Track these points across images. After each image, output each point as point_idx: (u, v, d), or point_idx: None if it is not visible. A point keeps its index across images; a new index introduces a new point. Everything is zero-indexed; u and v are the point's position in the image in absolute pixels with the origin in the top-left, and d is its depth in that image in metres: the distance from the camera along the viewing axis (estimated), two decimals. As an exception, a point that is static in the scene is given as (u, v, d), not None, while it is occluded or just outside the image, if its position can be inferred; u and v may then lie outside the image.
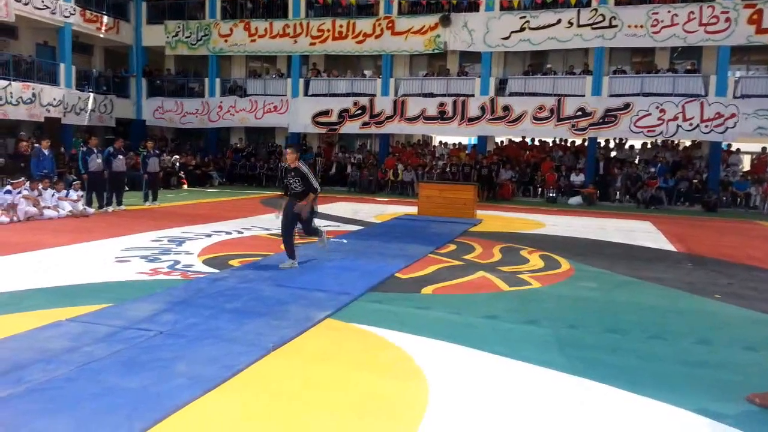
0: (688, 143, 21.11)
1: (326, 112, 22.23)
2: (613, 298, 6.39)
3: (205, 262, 7.41)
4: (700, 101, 18.42)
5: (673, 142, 20.95)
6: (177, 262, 7.34)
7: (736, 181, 19.30)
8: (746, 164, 21.62)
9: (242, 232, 10.05)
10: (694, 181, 19.23)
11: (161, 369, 3.78)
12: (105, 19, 22.54)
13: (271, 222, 11.52)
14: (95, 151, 12.71)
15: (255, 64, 25.70)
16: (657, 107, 18.74)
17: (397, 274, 7.06)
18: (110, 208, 12.63)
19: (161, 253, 7.94)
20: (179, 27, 23.87)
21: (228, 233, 9.88)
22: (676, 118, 18.60)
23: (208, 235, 9.52)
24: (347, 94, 22.33)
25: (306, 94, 22.84)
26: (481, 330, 4.99)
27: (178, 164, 20.88)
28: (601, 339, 4.88)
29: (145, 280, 6.37)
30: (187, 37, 23.85)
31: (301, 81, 22.92)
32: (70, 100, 20.27)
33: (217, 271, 6.92)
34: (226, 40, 23.40)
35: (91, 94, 21.45)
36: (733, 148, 20.58)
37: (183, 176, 20.62)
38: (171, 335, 4.46)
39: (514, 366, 4.17)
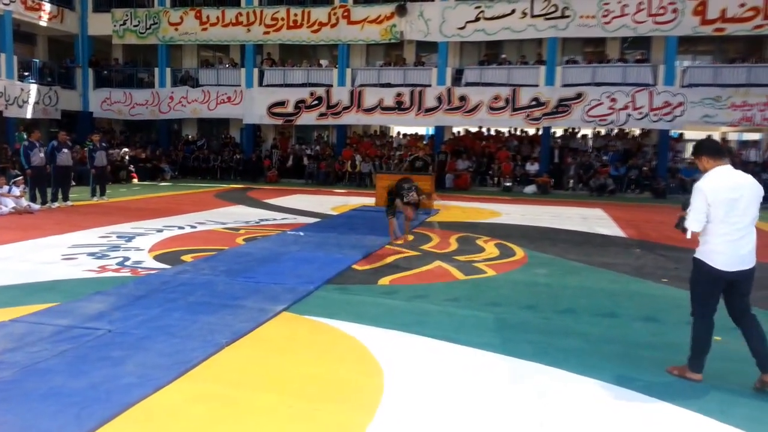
0: (638, 132, 21.72)
1: (282, 103, 21.94)
2: (565, 284, 6.52)
3: (156, 258, 7.22)
4: (650, 90, 18.96)
5: (623, 130, 21.52)
6: (126, 259, 7.13)
7: (683, 168, 19.99)
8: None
9: (196, 227, 9.84)
10: (644, 168, 19.82)
11: (110, 367, 3.67)
12: (48, 6, 21.60)
13: (227, 216, 11.34)
14: (38, 144, 12.22)
15: (207, 53, 25.12)
16: (608, 97, 19.20)
17: (354, 266, 7.03)
18: (56, 204, 12.18)
19: (110, 249, 7.70)
20: (127, 15, 23.10)
21: (180, 228, 9.66)
22: (626, 107, 19.10)
23: (160, 231, 9.28)
24: (303, 85, 22.08)
25: (261, 84, 22.47)
26: (437, 319, 5.03)
27: (127, 158, 20.28)
28: (553, 324, 4.98)
29: (93, 278, 6.16)
30: (135, 26, 23.11)
31: (256, 71, 22.53)
32: (12, 92, 19.40)
33: (168, 266, 6.75)
34: (176, 29, 22.78)
35: (34, 86, 20.58)
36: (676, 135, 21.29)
37: (133, 170, 20.03)
38: (120, 333, 4.33)
39: (468, 353, 4.21)
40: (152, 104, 23.05)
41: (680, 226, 3.87)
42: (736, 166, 3.78)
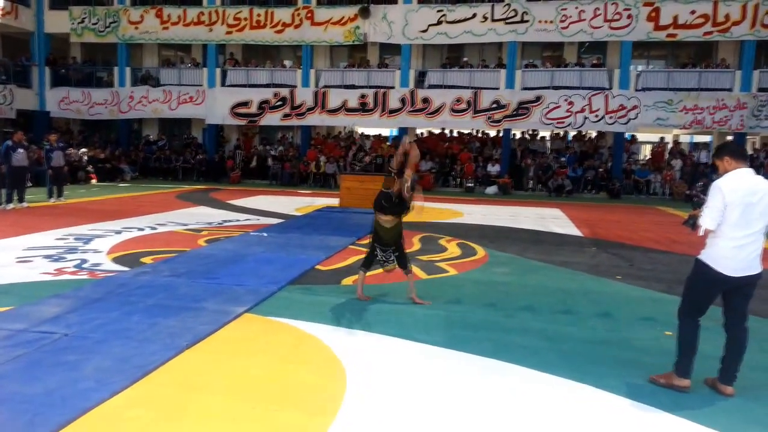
0: (594, 134, 22.30)
1: (245, 104, 21.76)
2: (524, 282, 6.69)
3: (115, 260, 7.10)
4: (605, 94, 19.50)
5: (581, 133, 22.06)
6: (84, 261, 6.99)
7: (637, 169, 20.62)
8: (647, 153, 23.11)
9: (156, 228, 9.69)
10: (600, 170, 20.36)
11: (66, 372, 3.62)
12: (1, 2, 20.91)
13: (188, 217, 11.20)
14: (-9, 144, 11.83)
15: (168, 52, 24.70)
16: (566, 100, 19.66)
17: (317, 266, 7.06)
18: (10, 206, 11.81)
19: (67, 252, 7.53)
20: (85, 13, 22.55)
21: (140, 229, 9.50)
22: (583, 110, 19.60)
23: (119, 232, 9.12)
24: (267, 85, 21.94)
25: (223, 84, 22.24)
26: (399, 318, 5.10)
27: (85, 158, 19.79)
28: (513, 322, 5.11)
29: (50, 281, 6.03)
30: (94, 24, 22.58)
31: (218, 71, 22.28)
32: (-38, 90, 18.71)
33: (127, 269, 6.65)
34: (136, 28, 22.35)
35: (-14, 84, 19.90)
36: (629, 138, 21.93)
37: (91, 171, 19.55)
38: (77, 337, 4.26)
39: (430, 351, 4.30)
40: (112, 104, 22.57)
41: (689, 223, 3.80)
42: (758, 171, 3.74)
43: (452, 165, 21.37)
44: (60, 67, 23.44)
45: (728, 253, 3.54)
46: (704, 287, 3.67)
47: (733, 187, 3.52)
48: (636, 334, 4.86)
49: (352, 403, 3.39)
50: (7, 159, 11.81)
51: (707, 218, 3.58)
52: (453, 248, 8.67)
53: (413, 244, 8.92)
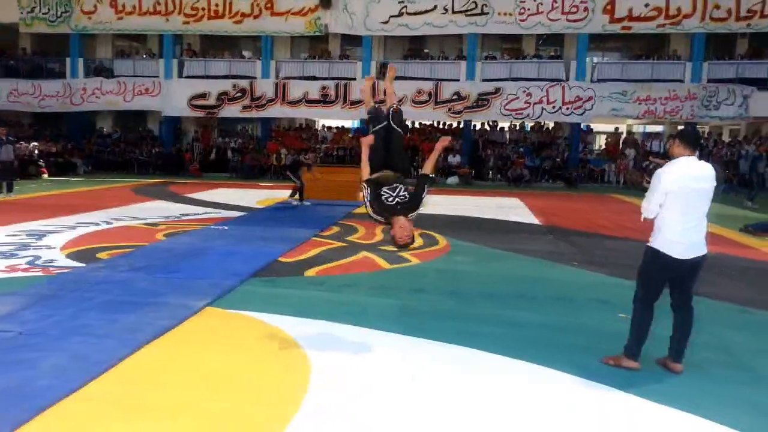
0: (551, 125, 22.73)
1: (203, 95, 21.35)
2: (485, 270, 6.82)
3: (70, 256, 6.92)
4: (562, 85, 19.88)
5: (539, 123, 22.46)
6: (37, 258, 6.79)
7: (592, 158, 21.15)
8: (601, 143, 23.71)
9: (112, 223, 9.47)
10: (557, 159, 20.80)
11: (23, 370, 3.54)
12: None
13: (146, 211, 10.98)
14: (-66, 138, 11.33)
15: (123, 43, 24.02)
16: (524, 91, 19.97)
17: (280, 259, 7.03)
18: (-43, 202, 11.36)
19: (19, 248, 7.30)
20: (35, 2, 21.69)
21: (96, 224, 9.26)
22: (541, 102, 19.95)
23: (73, 228, 8.88)
24: (226, 77, 21.57)
25: (180, 75, 21.77)
26: (363, 307, 5.14)
27: (36, 152, 19.13)
28: (474, 309, 5.21)
29: (1, 279, 5.85)
30: (44, 14, 21.76)
31: (175, 62, 21.79)
32: None
33: (83, 265, 6.50)
34: (89, 17, 21.63)
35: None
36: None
37: (42, 165, 18.91)
38: (33, 335, 4.16)
39: (394, 339, 4.35)
40: (63, 96, 21.82)
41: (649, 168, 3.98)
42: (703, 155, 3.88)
43: (414, 156, 21.46)
44: (8, 59, 22.54)
45: (676, 237, 3.69)
46: (656, 272, 3.81)
47: (674, 177, 3.67)
48: (591, 318, 5.02)
49: (317, 393, 3.41)
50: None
51: (645, 208, 3.77)
52: (415, 238, 8.73)
53: (376, 234, 8.97)
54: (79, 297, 5.13)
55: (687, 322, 3.85)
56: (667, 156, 3.93)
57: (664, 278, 3.81)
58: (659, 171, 3.75)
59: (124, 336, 4.18)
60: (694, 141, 3.82)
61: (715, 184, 3.76)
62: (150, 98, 21.68)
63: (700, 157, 3.84)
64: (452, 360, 3.98)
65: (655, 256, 3.77)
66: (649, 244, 3.84)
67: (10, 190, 12.92)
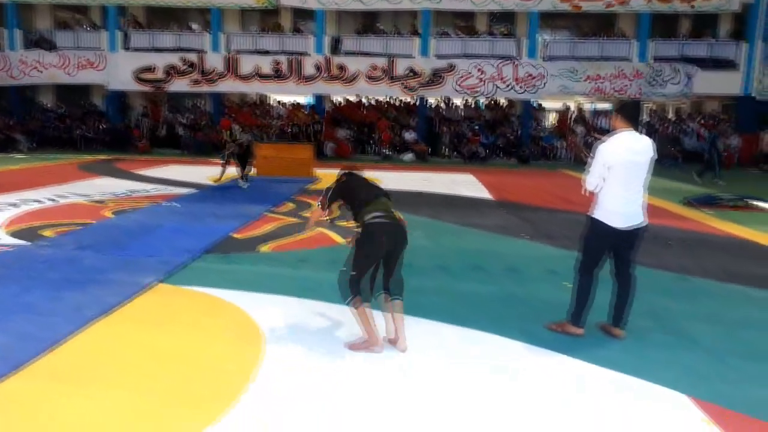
0: (504, 102, 23.02)
1: (150, 69, 20.64)
2: (438, 244, 6.92)
3: (13, 234, 6.66)
4: (514, 63, 20.11)
5: (493, 101, 22.70)
6: (-23, 236, 6.52)
7: (544, 135, 21.57)
8: (553, 121, 24.18)
9: (57, 201, 9.14)
10: (510, 136, 21.13)
11: (-38, 350, 3.42)
12: None
13: (92, 188, 10.64)
14: None
15: (64, 14, 22.88)
16: (477, 68, 20.12)
17: (233, 235, 6.96)
18: None
19: (-44, 227, 6.99)
20: (-37, -33, 20.42)
21: (39, 202, 8.92)
22: (494, 79, 20.15)
23: (15, 205, 8.53)
24: (174, 50, 20.89)
25: (126, 48, 20.97)
26: (316, 282, 5.15)
27: (-28, 127, 18.18)
28: (426, 281, 5.29)
29: (-63, 258, 5.59)
30: (-25, -20, 20.51)
31: (120, 34, 20.95)
32: None
33: (27, 243, 6.27)
34: (25, -15, 20.52)
35: None
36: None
37: (-20, 141, 18.01)
38: (-27, 314, 4.02)
39: (347, 311, 4.39)
40: (1, 69, 20.70)
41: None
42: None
43: (369, 133, 21.43)
44: (-63, 28, 21.20)
45: (616, 208, 3.83)
46: (598, 241, 3.95)
47: (614, 149, 3.80)
48: (539, 288, 5.19)
49: (271, 365, 3.43)
50: None
51: (588, 182, 3.89)
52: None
53: (331, 210, 8.93)
54: (22, 275, 4.97)
55: (627, 289, 4.02)
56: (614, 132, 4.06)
57: (605, 247, 3.96)
58: (600, 147, 3.86)
59: (71, 313, 4.09)
60: (634, 115, 3.97)
61: (653, 155, 3.91)
62: (94, 72, 20.83)
63: (646, 134, 3.98)
64: (409, 331, 4.05)
65: (596, 226, 3.91)
66: (590, 214, 3.98)
67: (-57, 167, 12.26)
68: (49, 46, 21.01)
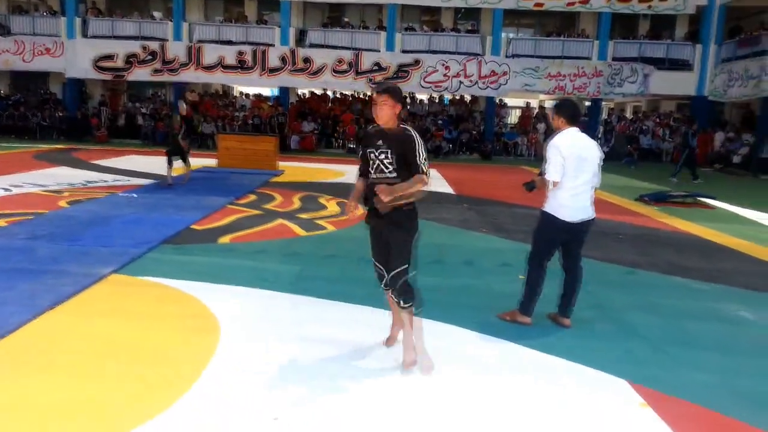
0: (468, 98, 23.30)
1: (110, 57, 20.20)
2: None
3: (-37, 224, 6.51)
4: (479, 60, 20.37)
5: (456, 96, 22.95)
6: (-75, 226, 6.33)
7: (506, 132, 21.93)
8: (515, 118, 24.60)
9: (10, 190, 8.91)
10: (474, 132, 21.41)
11: None
12: None
13: (47, 177, 10.39)
14: None
15: (18, -3, 22.19)
16: (443, 64, 20.31)
17: (192, 226, 6.92)
18: None
19: None
20: None
21: (-8, 191, 8.71)
22: (458, 75, 20.38)
23: (-34, 194, 8.31)
24: (135, 38, 20.50)
25: (85, 35, 20.45)
26: (276, 273, 5.19)
27: None
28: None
29: None
30: None
31: (78, 20, 20.43)
32: None
33: (-22, 232, 6.13)
34: (-24, -34, 19.80)
35: None
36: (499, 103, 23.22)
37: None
38: None
39: (305, 302, 4.46)
40: (-50, 53, 19.99)
41: (529, 185, 4.25)
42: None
43: (334, 126, 21.41)
44: None
45: (566, 202, 3.99)
46: (548, 234, 4.11)
47: (568, 143, 3.95)
48: (494, 280, 5.34)
49: (226, 355, 3.46)
50: None
51: (552, 172, 3.98)
52: (333, 206, 8.84)
53: (293, 203, 8.98)
54: (-28, 265, 4.87)
55: (576, 281, 4.19)
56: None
57: (556, 239, 4.12)
58: (553, 141, 4.01)
59: (24, 302, 4.04)
60: (574, 114, 4.10)
61: (600, 155, 4.08)
62: (51, 59, 20.29)
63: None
64: (358, 321, 4.14)
65: (547, 219, 4.06)
66: (542, 208, 4.13)
67: None
68: (4, 31, 20.33)
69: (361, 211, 3.59)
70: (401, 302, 3.35)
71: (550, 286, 4.19)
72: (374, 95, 3.39)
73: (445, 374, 3.34)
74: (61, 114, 20.63)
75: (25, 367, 3.19)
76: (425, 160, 3.32)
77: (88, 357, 3.35)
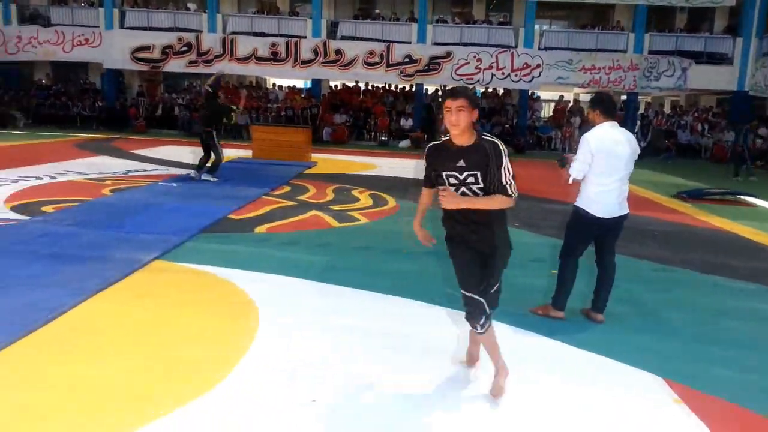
0: (501, 91, 23.12)
1: (146, 48, 20.60)
2: (433, 231, 7.06)
3: (14, 209, 6.78)
4: (511, 52, 20.19)
5: (488, 89, 22.80)
6: (-22, 211, 6.64)
7: (540, 126, 21.71)
8: (549, 111, 24.34)
9: (55, 177, 9.24)
10: (507, 126, 21.25)
11: (-30, 318, 3.57)
12: None
13: (90, 166, 10.72)
14: None
15: (59, -11, 22.76)
16: (474, 56, 20.19)
17: (229, 215, 7.09)
18: None
19: (-44, 201, 7.10)
20: (-42, -61, 20.23)
21: (38, 178, 9.03)
22: (491, 68, 20.24)
23: (15, 181, 8.63)
24: (170, 29, 20.85)
25: (122, 26, 20.89)
26: (311, 262, 5.31)
27: (-32, 102, 18.16)
28: (417, 266, 5.45)
29: (-61, 231, 5.71)
30: (-31, -48, 20.34)
31: (116, 11, 20.87)
32: None
33: (27, 217, 6.40)
34: (20, -41, 20.39)
35: None
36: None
37: (-23, 116, 18.02)
38: (-22, 284, 4.16)
39: (339, 291, 4.57)
40: (-2, 44, 20.65)
41: (562, 161, 4.20)
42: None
43: (366, 119, 21.50)
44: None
45: (599, 197, 3.99)
46: (581, 229, 4.12)
47: (600, 138, 3.93)
48: (527, 274, 5.36)
49: (264, 339, 3.59)
50: None
51: (575, 169, 4.01)
52: (365, 199, 8.94)
53: (326, 194, 9.10)
54: (24, 249, 5.09)
55: (609, 276, 4.20)
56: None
57: (588, 235, 4.13)
58: (586, 135, 4.01)
59: (72, 285, 4.23)
60: (610, 108, 4.08)
61: (636, 149, 4.06)
62: (90, 49, 20.77)
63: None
64: (387, 308, 4.24)
65: (580, 214, 4.07)
66: (575, 203, 4.14)
67: (-60, 141, 12.31)
68: (45, 21, 20.89)
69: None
70: (485, 324, 2.97)
71: (583, 281, 4.22)
72: (447, 101, 2.83)
73: (477, 366, 3.40)
74: (100, 104, 21.15)
75: (76, 347, 3.36)
76: (513, 178, 2.88)
77: (134, 339, 3.51)
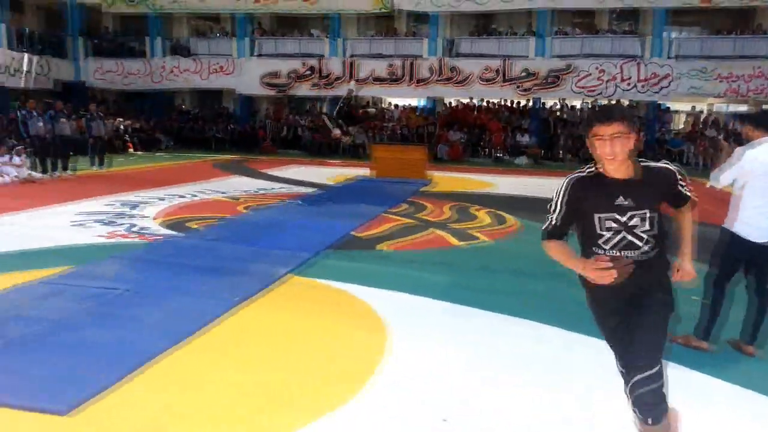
0: (626, 103, 21.99)
1: (275, 73, 21.96)
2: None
3: (163, 225, 7.50)
4: (638, 62, 19.18)
5: (613, 101, 21.77)
6: (133, 225, 7.39)
7: (671, 139, 20.35)
8: (680, 124, 22.74)
9: (197, 196, 10.09)
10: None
11: (133, 322, 3.98)
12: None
13: (226, 185, 11.58)
14: (35, 114, 12.32)
15: (198, 22, 24.94)
16: (597, 68, 19.41)
17: (353, 233, 7.34)
18: (56, 173, 12.33)
19: (116, 216, 7.95)
20: (116, -17, 22.85)
21: (182, 197, 9.91)
22: (614, 79, 19.35)
23: (162, 199, 9.53)
24: (295, 55, 22.07)
25: (253, 54, 22.44)
26: (436, 281, 5.36)
27: (122, 127, 20.32)
28: (539, 286, 5.32)
29: (104, 243, 6.44)
30: (124, -6, 22.90)
31: (248, 41, 22.47)
32: (4, 61, 19.26)
33: (175, 233, 7.04)
34: (166, -3, 22.61)
35: (26, 55, 20.41)
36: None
37: (128, 140, 20.09)
38: (138, 293, 4.62)
39: (468, 311, 4.57)
40: (145, 74, 22.95)
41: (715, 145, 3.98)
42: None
43: (481, 135, 21.36)
44: (93, 38, 23.85)
45: (751, 220, 3.67)
46: (730, 254, 3.81)
47: (756, 156, 3.63)
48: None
49: (393, 354, 3.68)
50: (52, 128, 12.28)
51: (722, 176, 3.74)
52: (484, 217, 8.87)
53: (444, 212, 9.14)
54: (173, 262, 5.61)
55: (763, 305, 3.85)
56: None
57: (738, 260, 3.81)
58: (743, 148, 3.72)
59: (219, 295, 4.59)
60: (765, 123, 3.76)
61: None
62: (224, 76, 22.50)
63: None
64: (520, 332, 4.16)
65: (730, 237, 3.77)
66: (724, 225, 3.85)
67: (102, 163, 13.87)
68: (185, 52, 22.96)
69: None
70: (643, 418, 2.24)
71: (733, 307, 3.90)
72: (597, 126, 2.19)
73: (611, 398, 3.25)
74: (232, 126, 22.81)
75: (228, 354, 3.64)
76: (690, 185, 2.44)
77: (276, 349, 3.75)
